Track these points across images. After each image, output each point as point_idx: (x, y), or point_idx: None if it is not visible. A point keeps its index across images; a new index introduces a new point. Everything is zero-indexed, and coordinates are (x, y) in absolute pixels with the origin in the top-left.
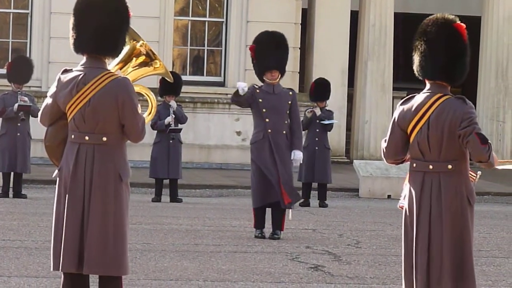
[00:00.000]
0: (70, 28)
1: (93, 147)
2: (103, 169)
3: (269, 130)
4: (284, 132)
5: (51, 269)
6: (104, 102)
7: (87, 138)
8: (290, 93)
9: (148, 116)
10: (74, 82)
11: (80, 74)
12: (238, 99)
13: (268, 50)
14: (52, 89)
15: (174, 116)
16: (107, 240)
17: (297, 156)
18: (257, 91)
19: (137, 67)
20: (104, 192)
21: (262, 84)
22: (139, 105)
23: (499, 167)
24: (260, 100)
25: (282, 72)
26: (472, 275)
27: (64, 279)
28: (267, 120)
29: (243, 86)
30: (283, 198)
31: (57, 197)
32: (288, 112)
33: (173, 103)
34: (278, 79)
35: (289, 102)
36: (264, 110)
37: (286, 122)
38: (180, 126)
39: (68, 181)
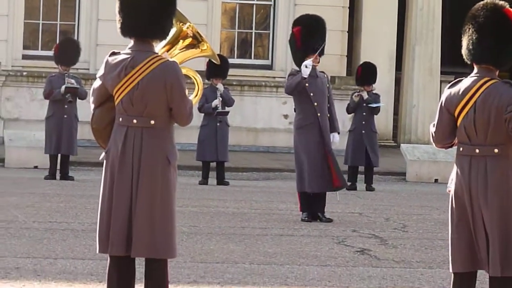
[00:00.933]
0: (117, 12)
1: (141, 130)
2: (151, 152)
3: (319, 114)
4: (328, 115)
5: (97, 251)
6: (153, 85)
7: (135, 121)
8: (325, 75)
9: (194, 98)
10: (122, 65)
11: (128, 57)
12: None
13: (314, 33)
14: (101, 71)
15: (221, 99)
16: (154, 223)
17: (336, 139)
18: None
19: (184, 49)
20: (152, 175)
21: (299, 68)
22: (186, 88)
23: None
24: (307, 84)
25: (321, 56)
26: None
27: (111, 261)
28: (315, 104)
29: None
30: (332, 181)
31: (104, 179)
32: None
33: (220, 86)
34: None
35: (327, 85)
36: (312, 94)
37: (328, 105)
38: (227, 109)
39: (116, 164)
